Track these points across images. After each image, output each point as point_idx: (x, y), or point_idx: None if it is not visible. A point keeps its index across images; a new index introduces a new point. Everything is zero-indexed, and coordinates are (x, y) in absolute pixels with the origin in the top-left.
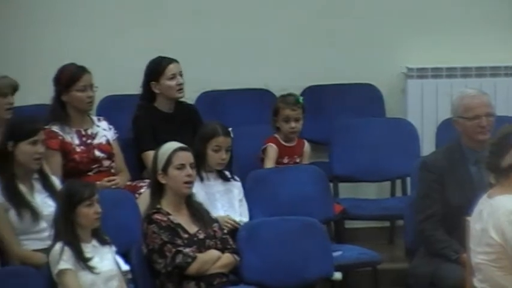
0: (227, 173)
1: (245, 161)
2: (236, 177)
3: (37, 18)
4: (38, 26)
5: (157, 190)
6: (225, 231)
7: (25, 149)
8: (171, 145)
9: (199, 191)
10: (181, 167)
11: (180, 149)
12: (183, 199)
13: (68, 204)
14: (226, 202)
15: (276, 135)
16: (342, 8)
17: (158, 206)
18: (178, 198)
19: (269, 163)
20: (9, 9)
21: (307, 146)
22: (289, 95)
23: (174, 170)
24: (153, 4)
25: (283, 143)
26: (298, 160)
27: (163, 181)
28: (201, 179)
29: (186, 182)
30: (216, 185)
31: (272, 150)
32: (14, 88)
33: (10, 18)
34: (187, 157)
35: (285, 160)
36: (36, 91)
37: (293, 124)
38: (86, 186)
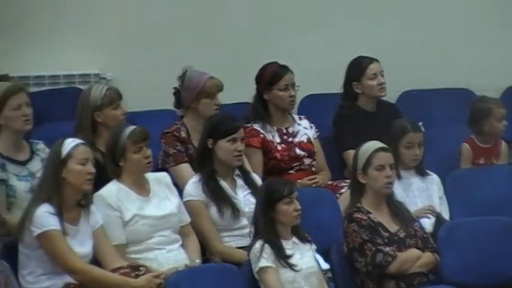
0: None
1: (444, 161)
2: (431, 172)
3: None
4: (239, 27)
5: (358, 189)
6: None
7: (224, 147)
8: (372, 145)
9: (397, 188)
10: (381, 168)
11: (381, 149)
12: (384, 198)
13: (267, 201)
14: (426, 199)
15: (473, 136)
16: None
17: (359, 205)
18: (379, 198)
19: (464, 163)
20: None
21: (504, 145)
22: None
23: (373, 170)
24: (357, 3)
25: (480, 144)
26: (495, 161)
27: (363, 181)
28: (399, 177)
29: (386, 183)
30: (414, 182)
31: (466, 151)
32: (220, 88)
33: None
34: (387, 158)
35: (481, 161)
36: (238, 89)
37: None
38: (285, 184)
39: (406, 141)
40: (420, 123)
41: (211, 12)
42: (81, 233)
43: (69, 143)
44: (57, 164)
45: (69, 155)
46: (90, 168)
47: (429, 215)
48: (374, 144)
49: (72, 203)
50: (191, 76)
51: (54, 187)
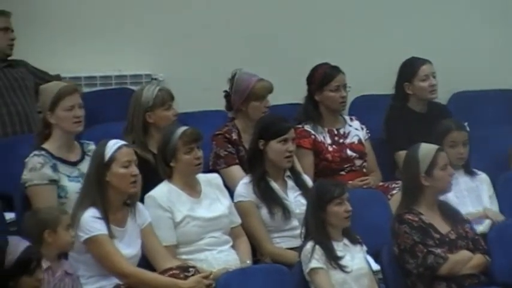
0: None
1: (495, 162)
2: (480, 172)
3: (298, 19)
4: (290, 28)
5: (415, 191)
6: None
7: (275, 147)
8: (430, 146)
9: None
10: (445, 167)
11: (441, 149)
12: (436, 199)
13: (318, 202)
14: (475, 199)
15: None
16: None
17: (411, 206)
18: (435, 199)
19: None
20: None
21: None
22: None
23: (439, 171)
24: (409, 3)
25: None
26: None
27: (426, 183)
28: None
29: (450, 182)
30: (463, 182)
31: None
32: (270, 90)
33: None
34: (447, 156)
35: None
36: (289, 90)
37: None
38: (336, 185)
39: (450, 140)
40: (465, 124)
41: (262, 13)
42: (129, 234)
43: (112, 146)
44: (100, 167)
45: (112, 158)
46: (134, 170)
47: (484, 219)
48: (430, 146)
49: (118, 205)
50: (240, 79)
51: (98, 191)
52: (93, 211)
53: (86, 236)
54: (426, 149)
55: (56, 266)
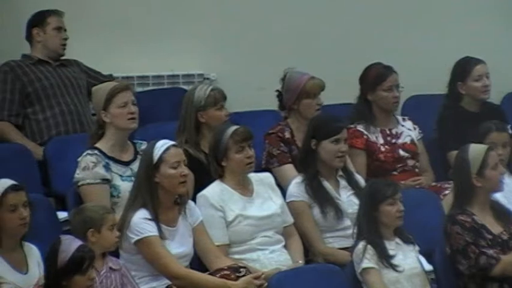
0: None
1: None
2: None
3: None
4: (343, 27)
5: (468, 192)
6: None
7: (328, 147)
8: (479, 146)
9: None
10: (496, 166)
11: (490, 148)
12: (488, 199)
13: (371, 202)
14: None
15: None
16: None
17: (463, 207)
18: (484, 199)
19: None
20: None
21: None
22: None
23: (491, 170)
24: (462, 3)
25: None
26: None
27: (478, 184)
28: None
29: (501, 181)
30: (510, 183)
31: None
32: (322, 88)
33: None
34: (496, 155)
35: None
36: (341, 90)
37: None
38: (388, 185)
39: (489, 141)
40: (509, 126)
41: (315, 12)
42: (181, 233)
43: (160, 147)
44: (149, 169)
45: (161, 159)
46: (183, 170)
47: None
48: (480, 146)
49: (169, 204)
50: (291, 77)
51: (148, 192)
52: (143, 212)
53: (137, 238)
54: (476, 150)
55: (100, 263)
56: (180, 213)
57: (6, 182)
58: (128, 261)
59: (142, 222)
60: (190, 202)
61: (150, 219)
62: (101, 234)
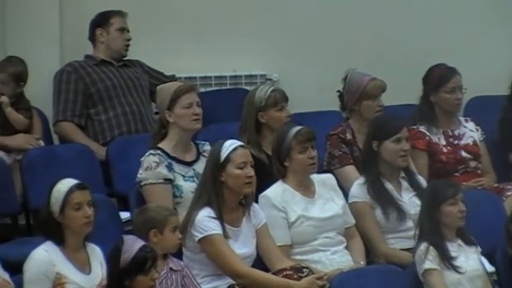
0: None
1: None
2: None
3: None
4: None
5: None
6: None
7: (389, 147)
8: None
9: None
10: None
11: None
12: None
13: (432, 203)
14: None
15: None
16: None
17: None
18: None
19: None
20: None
21: None
22: None
23: None
24: None
25: None
26: None
27: None
28: None
29: None
30: None
31: None
32: (383, 89)
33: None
34: None
35: None
36: (405, 91)
37: None
38: (450, 186)
39: None
40: None
41: (377, 13)
42: (244, 234)
43: (228, 147)
44: (216, 168)
45: (228, 159)
46: (249, 171)
47: None
48: None
49: (233, 205)
50: (352, 78)
51: (214, 191)
52: (208, 211)
53: (201, 236)
54: None
55: (161, 264)
56: (245, 214)
57: (71, 181)
58: (191, 260)
59: (206, 220)
60: (255, 204)
61: (214, 218)
62: (163, 235)
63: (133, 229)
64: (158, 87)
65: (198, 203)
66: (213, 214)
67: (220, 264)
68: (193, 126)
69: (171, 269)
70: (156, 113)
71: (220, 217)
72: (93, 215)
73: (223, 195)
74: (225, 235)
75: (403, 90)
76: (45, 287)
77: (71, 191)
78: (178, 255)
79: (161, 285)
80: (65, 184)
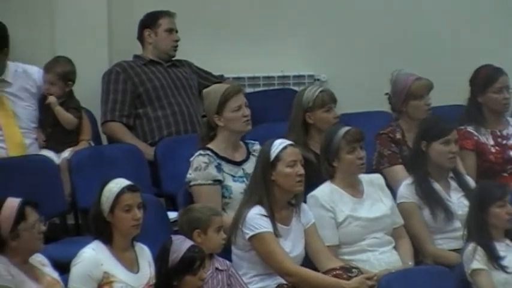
0: None
1: None
2: None
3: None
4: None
5: None
6: None
7: (438, 149)
8: None
9: None
10: None
11: None
12: None
13: (480, 204)
14: None
15: None
16: None
17: None
18: None
19: None
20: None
21: None
22: None
23: None
24: None
25: None
26: None
27: None
28: None
29: None
30: None
31: None
32: (429, 88)
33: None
34: None
35: None
36: (453, 91)
37: None
38: (498, 187)
39: None
40: None
41: (425, 14)
42: (294, 233)
43: (278, 145)
44: (266, 166)
45: (278, 158)
46: (300, 169)
47: None
48: None
49: (283, 204)
50: (398, 79)
51: (264, 189)
52: (259, 209)
53: (251, 233)
54: None
55: (207, 263)
56: (294, 213)
57: (123, 182)
58: (240, 259)
59: (257, 218)
60: (303, 204)
61: (265, 216)
62: (206, 235)
63: (178, 229)
64: (204, 90)
65: (248, 201)
66: (264, 212)
67: (271, 262)
68: (245, 128)
69: (216, 268)
70: (203, 116)
71: (271, 215)
72: (143, 217)
73: (274, 193)
74: (276, 233)
75: (451, 91)
76: (89, 287)
77: (122, 191)
78: (226, 254)
79: (207, 285)
80: (117, 184)
